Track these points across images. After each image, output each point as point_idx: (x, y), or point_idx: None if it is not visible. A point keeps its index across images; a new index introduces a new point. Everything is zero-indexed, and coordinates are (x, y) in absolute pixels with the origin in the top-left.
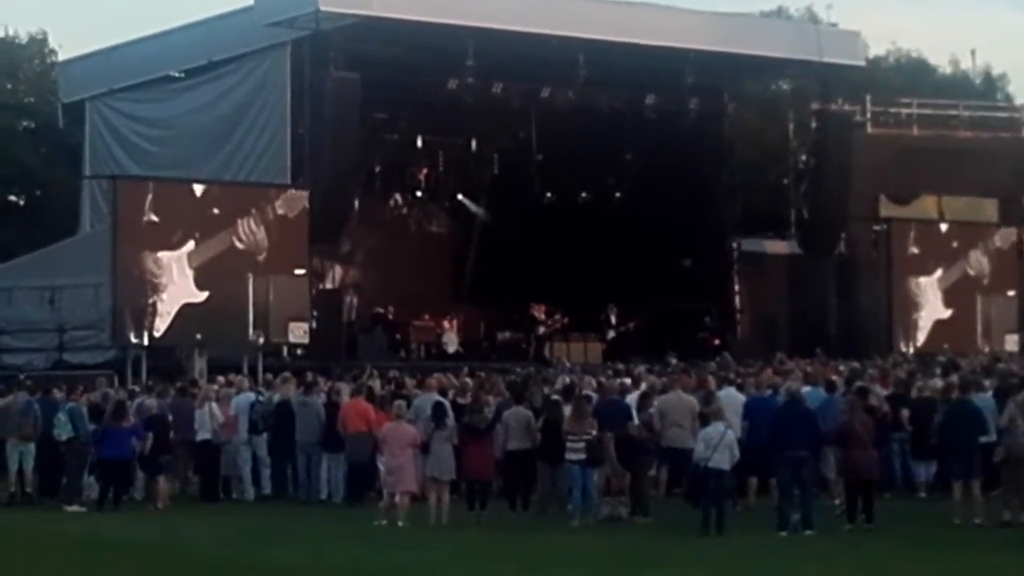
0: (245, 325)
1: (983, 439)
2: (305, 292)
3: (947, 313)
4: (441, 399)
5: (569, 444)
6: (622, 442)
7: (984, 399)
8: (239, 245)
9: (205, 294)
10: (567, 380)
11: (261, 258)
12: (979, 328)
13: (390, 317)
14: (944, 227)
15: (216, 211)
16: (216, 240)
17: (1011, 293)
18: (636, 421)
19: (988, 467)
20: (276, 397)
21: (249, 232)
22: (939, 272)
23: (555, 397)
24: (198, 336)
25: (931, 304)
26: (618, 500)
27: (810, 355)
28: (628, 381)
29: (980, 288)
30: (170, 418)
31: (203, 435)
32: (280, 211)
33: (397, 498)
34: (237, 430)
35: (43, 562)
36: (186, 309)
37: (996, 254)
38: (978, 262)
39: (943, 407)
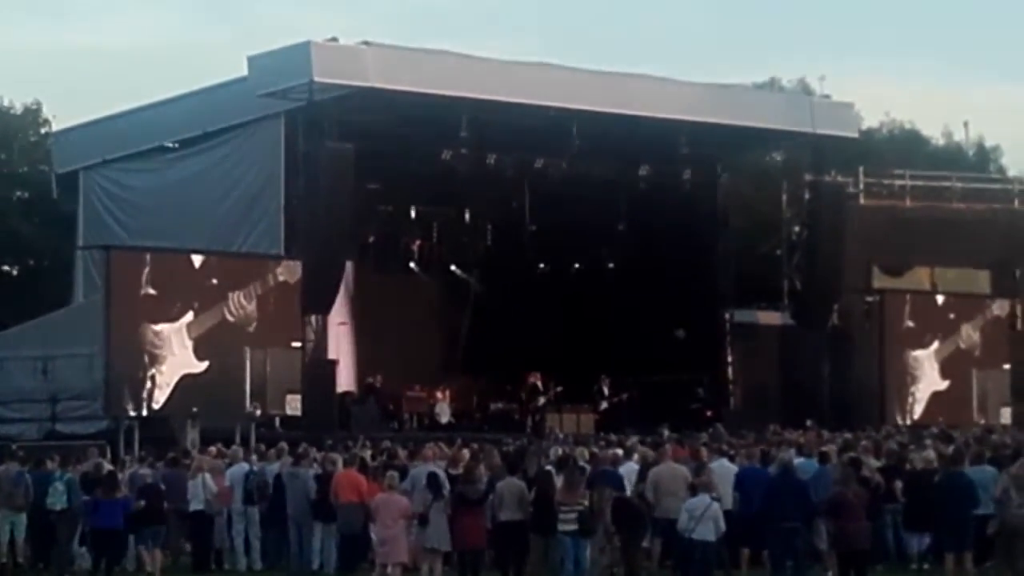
0: (241, 396)
1: (977, 511)
2: (298, 362)
3: (941, 385)
4: (436, 470)
5: (561, 515)
6: (619, 510)
7: (984, 471)
8: (231, 317)
9: (203, 365)
10: (560, 451)
11: (254, 329)
12: (974, 401)
13: (382, 388)
14: (938, 299)
15: (209, 282)
16: (210, 310)
17: (1006, 366)
18: (629, 492)
19: (980, 539)
20: (271, 468)
21: (242, 303)
22: (932, 344)
23: (547, 467)
24: (194, 409)
25: (924, 376)
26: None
27: (802, 426)
28: (620, 452)
29: (974, 361)
30: (163, 487)
31: (196, 505)
32: (274, 281)
33: (389, 569)
34: (231, 500)
35: None
36: (183, 380)
37: (989, 326)
38: (971, 335)
39: (936, 480)
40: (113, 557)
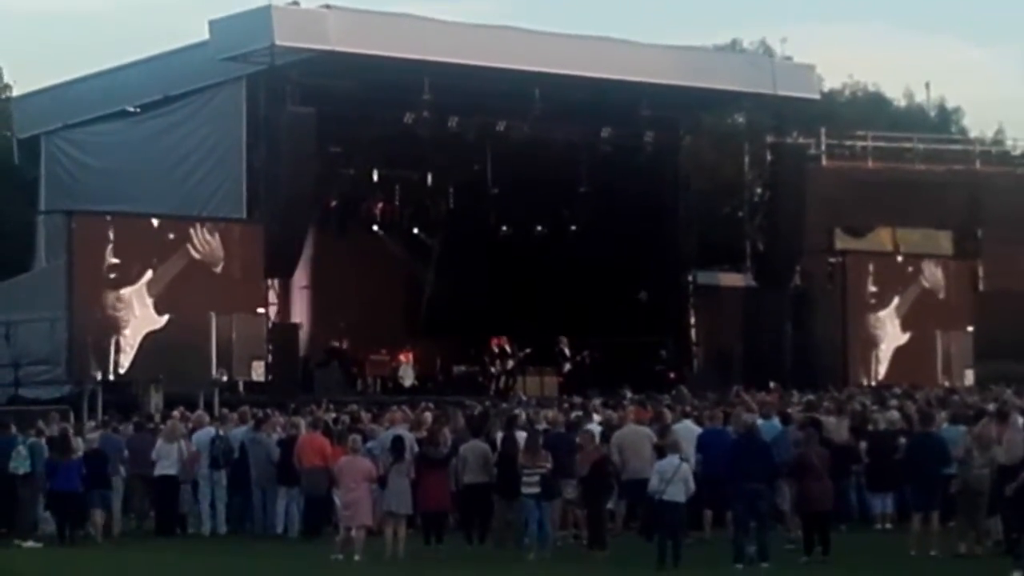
0: (205, 361)
1: (945, 471)
2: (263, 329)
3: (904, 346)
4: (401, 432)
5: (524, 478)
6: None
7: (952, 430)
8: (195, 280)
9: (163, 320)
10: (515, 413)
11: (217, 293)
12: (937, 362)
13: (346, 351)
14: (899, 260)
15: (172, 246)
16: (172, 274)
17: (969, 328)
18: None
19: (945, 499)
20: (236, 433)
21: (205, 267)
22: (894, 305)
23: (500, 430)
24: (160, 376)
25: (887, 337)
26: (571, 532)
27: (765, 388)
28: (581, 414)
29: (936, 322)
30: (126, 453)
31: (163, 470)
32: (236, 245)
33: (353, 532)
34: (198, 465)
35: None
36: (146, 343)
37: (951, 288)
38: (933, 296)
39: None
40: (73, 519)
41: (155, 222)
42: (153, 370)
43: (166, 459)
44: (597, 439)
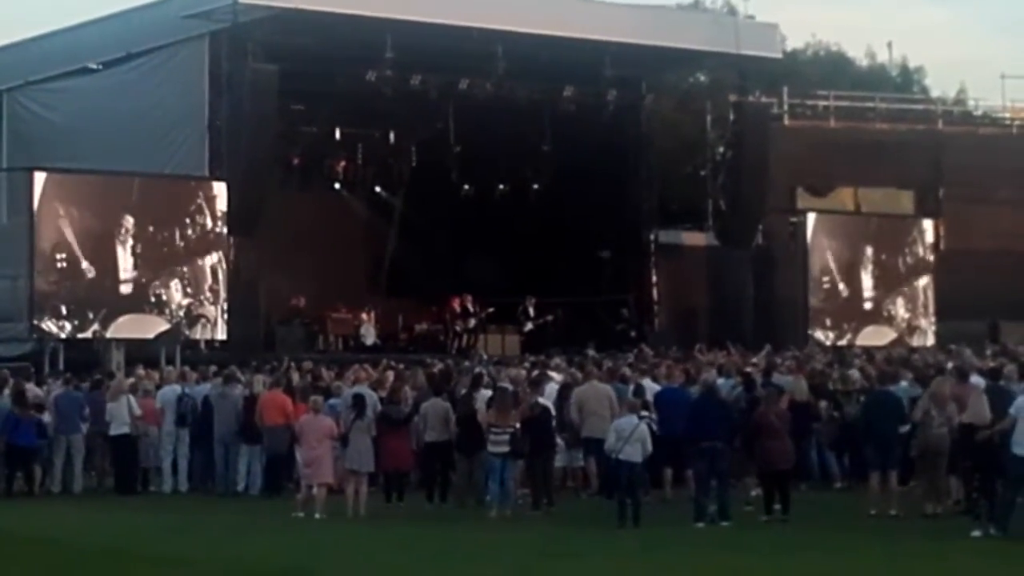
0: (165, 318)
1: (902, 429)
2: (223, 285)
3: (865, 306)
4: (361, 390)
5: (493, 436)
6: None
7: (911, 390)
8: (157, 237)
9: (128, 287)
10: (479, 372)
11: (179, 250)
12: (899, 322)
13: (307, 310)
14: (861, 219)
15: (134, 203)
16: (134, 232)
17: (925, 282)
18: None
19: (904, 458)
20: (200, 389)
21: (167, 224)
22: (856, 265)
23: (464, 389)
24: (116, 329)
25: (848, 296)
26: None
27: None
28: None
29: (898, 281)
30: (86, 410)
31: (118, 429)
32: (198, 204)
33: (314, 490)
34: (160, 422)
35: None
36: (107, 300)
37: (912, 247)
38: (894, 255)
39: (863, 398)
40: (25, 473)
41: (117, 179)
42: (114, 327)
43: (118, 418)
44: (549, 396)
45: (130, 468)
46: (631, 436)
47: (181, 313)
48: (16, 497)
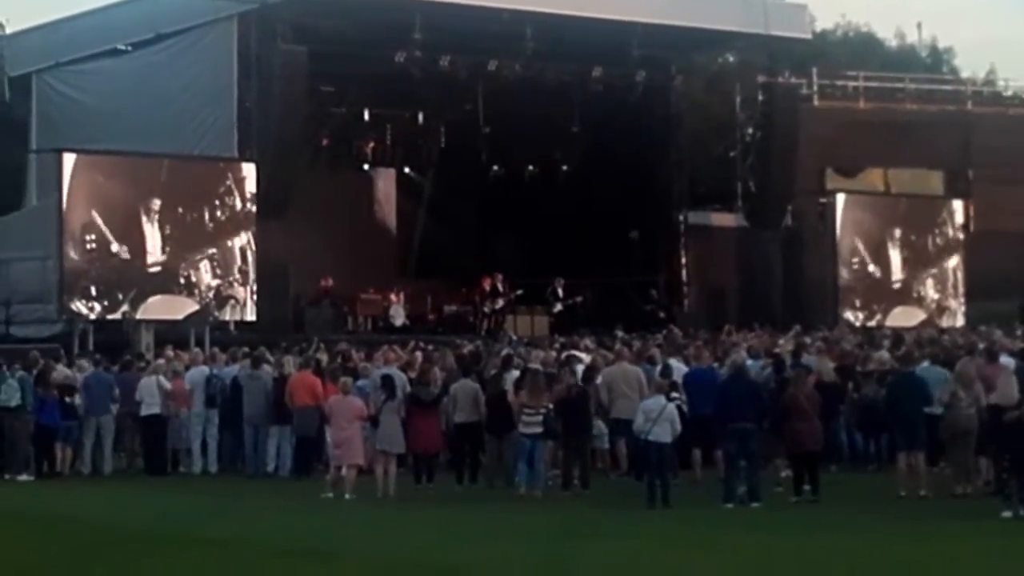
0: (195, 299)
1: (927, 410)
2: (252, 266)
3: (895, 287)
4: (390, 372)
5: (525, 417)
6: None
7: (934, 370)
8: (186, 218)
9: (157, 268)
10: (509, 353)
11: (209, 231)
12: (928, 302)
13: (337, 291)
14: (890, 200)
15: (163, 184)
16: (163, 213)
17: (955, 263)
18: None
19: (933, 439)
20: (229, 371)
21: (196, 206)
22: (886, 246)
23: (494, 370)
24: (146, 310)
25: (877, 277)
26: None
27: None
28: (571, 354)
29: (927, 262)
30: (116, 391)
31: (149, 409)
32: (228, 185)
33: (344, 471)
34: (189, 403)
35: None
36: (137, 281)
37: (941, 227)
38: (923, 236)
39: (885, 380)
40: (48, 454)
41: (146, 161)
42: (143, 309)
43: (148, 398)
44: (578, 377)
45: (160, 449)
46: (659, 417)
47: (210, 294)
48: (46, 478)
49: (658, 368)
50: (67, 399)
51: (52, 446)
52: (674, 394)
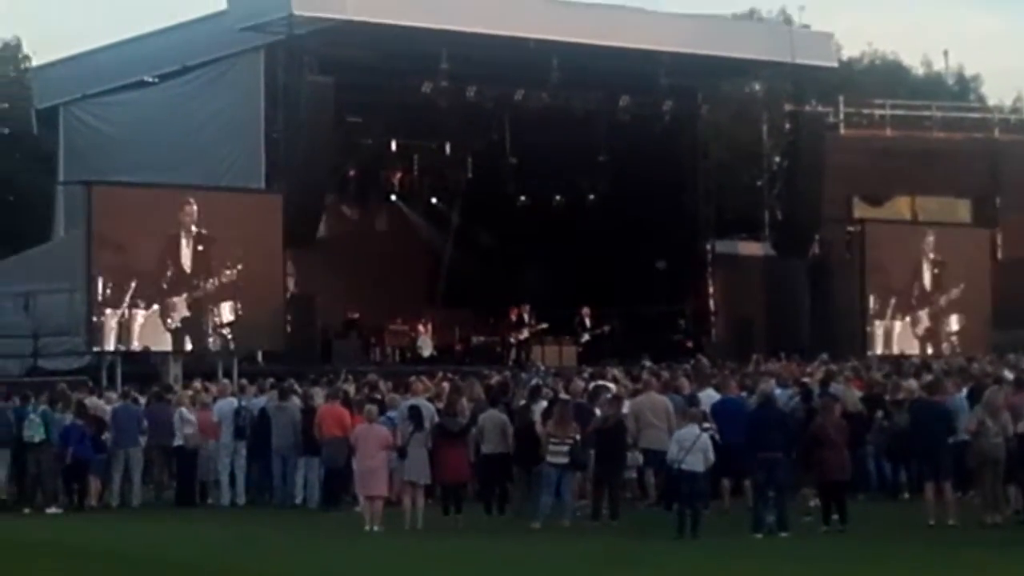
0: (225, 332)
1: (952, 439)
2: (281, 297)
3: (922, 315)
4: (418, 402)
5: (552, 447)
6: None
7: (955, 400)
8: (214, 250)
9: (183, 297)
10: (538, 383)
11: (236, 262)
12: (956, 330)
13: (364, 322)
14: (918, 228)
15: (190, 215)
16: (191, 245)
17: (982, 291)
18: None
19: (960, 468)
20: (257, 402)
21: (224, 237)
22: (912, 274)
23: (522, 401)
24: (173, 340)
25: (906, 306)
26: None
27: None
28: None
29: (954, 290)
30: (144, 423)
31: (180, 440)
32: (255, 216)
33: (372, 503)
34: (217, 435)
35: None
36: (165, 314)
37: (970, 256)
38: (951, 265)
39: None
40: (80, 485)
41: (174, 192)
42: (172, 340)
43: (181, 429)
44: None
45: (190, 481)
46: (693, 446)
47: (237, 325)
48: (74, 511)
49: (686, 397)
50: (102, 433)
51: (86, 478)
52: (706, 424)
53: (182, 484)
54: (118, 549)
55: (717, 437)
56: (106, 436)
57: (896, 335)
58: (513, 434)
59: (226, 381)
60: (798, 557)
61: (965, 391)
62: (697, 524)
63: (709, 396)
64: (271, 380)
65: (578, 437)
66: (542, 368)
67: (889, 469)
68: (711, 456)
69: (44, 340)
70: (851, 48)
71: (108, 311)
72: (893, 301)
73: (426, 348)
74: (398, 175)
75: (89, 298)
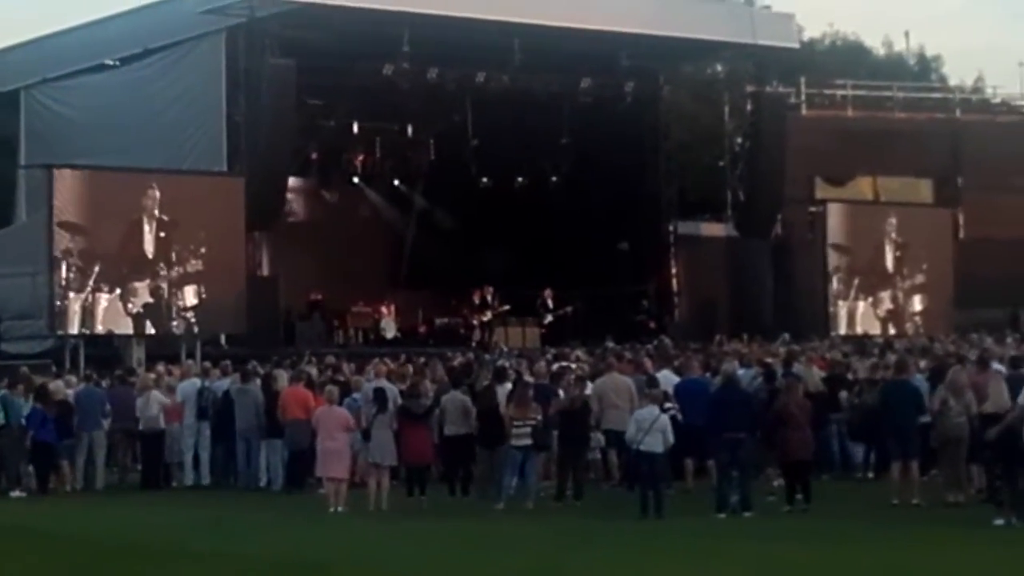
0: (187, 314)
1: (921, 419)
2: (243, 280)
3: (884, 295)
4: (382, 384)
5: (515, 430)
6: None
7: (917, 380)
8: (176, 233)
9: (145, 282)
10: (503, 365)
11: (198, 245)
12: (918, 311)
13: (327, 304)
14: (879, 208)
15: (153, 198)
16: (153, 228)
17: (945, 271)
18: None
19: (925, 448)
20: (220, 384)
21: (185, 219)
22: (874, 253)
23: (486, 382)
24: (136, 324)
25: (867, 286)
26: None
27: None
28: (566, 364)
29: (916, 270)
30: (108, 407)
31: (148, 424)
32: (217, 198)
33: (335, 484)
34: (181, 417)
35: None
36: (127, 297)
37: (931, 236)
38: (913, 245)
39: (879, 388)
40: (47, 470)
41: (135, 175)
42: (134, 324)
43: (145, 413)
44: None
45: (156, 463)
46: (652, 427)
47: (200, 308)
48: (38, 495)
49: (646, 378)
50: (70, 417)
51: (48, 463)
52: (668, 404)
53: (147, 467)
54: (83, 532)
55: (679, 417)
56: (76, 419)
57: (859, 315)
58: (476, 415)
59: (190, 362)
60: (762, 537)
61: (927, 371)
62: (660, 504)
63: (667, 377)
64: (229, 363)
65: (539, 418)
66: (505, 349)
67: (858, 449)
68: (670, 437)
69: (6, 324)
70: (812, 29)
71: (71, 295)
72: (856, 281)
73: (389, 330)
74: (360, 157)
75: (52, 282)
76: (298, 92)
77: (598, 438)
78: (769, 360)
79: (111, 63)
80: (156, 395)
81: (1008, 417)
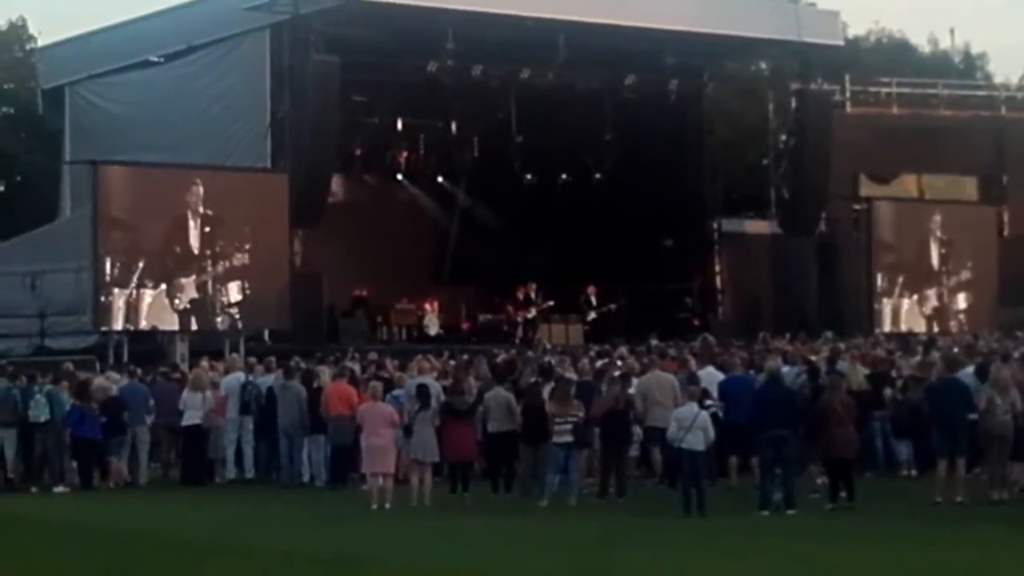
0: (232, 311)
1: (970, 417)
2: (287, 276)
3: (929, 293)
4: (425, 381)
5: (556, 427)
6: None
7: (965, 375)
8: (220, 230)
9: (191, 278)
10: (547, 362)
11: (242, 242)
12: (962, 307)
13: (371, 300)
14: (924, 206)
15: (196, 195)
16: (197, 224)
17: (989, 268)
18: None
19: (972, 446)
20: (264, 380)
21: (230, 216)
22: (920, 252)
23: (533, 379)
24: (180, 320)
25: (912, 283)
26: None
27: (793, 334)
28: (607, 362)
29: (961, 268)
30: (151, 402)
31: (190, 419)
32: (260, 195)
33: (380, 480)
34: (225, 410)
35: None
36: (172, 293)
37: (976, 234)
38: (958, 243)
39: (925, 385)
40: (90, 466)
41: (180, 172)
42: (180, 319)
43: (192, 408)
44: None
45: (199, 459)
46: (692, 425)
47: (244, 304)
48: (81, 490)
49: (687, 376)
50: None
51: (90, 459)
52: (708, 401)
53: (188, 462)
54: (121, 527)
55: (720, 414)
56: (126, 416)
57: (904, 313)
58: (521, 412)
59: (235, 355)
60: (805, 534)
61: (972, 368)
62: (703, 502)
63: (710, 374)
64: (273, 359)
65: (581, 415)
66: (548, 346)
67: (904, 447)
68: (711, 434)
69: (51, 320)
70: (857, 26)
71: (115, 291)
72: (900, 279)
73: (433, 327)
74: (404, 154)
75: (96, 277)
76: (342, 89)
77: (637, 432)
78: (813, 357)
79: (156, 60)
80: (207, 395)
81: None
